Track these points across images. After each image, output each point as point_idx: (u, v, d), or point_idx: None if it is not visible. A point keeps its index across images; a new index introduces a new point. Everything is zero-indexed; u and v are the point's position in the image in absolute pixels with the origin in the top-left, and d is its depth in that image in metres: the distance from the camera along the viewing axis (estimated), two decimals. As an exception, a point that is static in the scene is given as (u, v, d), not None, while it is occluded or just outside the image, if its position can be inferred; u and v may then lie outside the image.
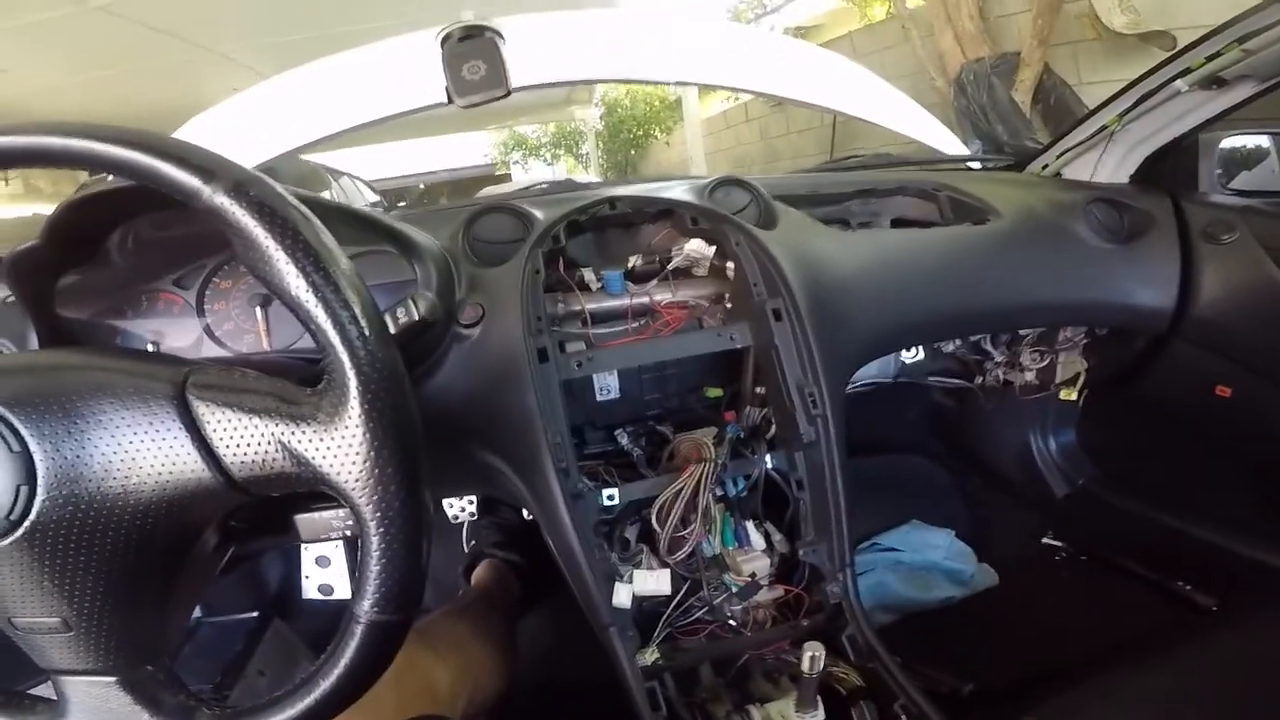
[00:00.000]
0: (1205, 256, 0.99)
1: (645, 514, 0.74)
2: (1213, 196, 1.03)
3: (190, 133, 1.28)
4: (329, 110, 1.23)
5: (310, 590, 1.30)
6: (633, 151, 8.76)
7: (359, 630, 0.38)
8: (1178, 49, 0.92)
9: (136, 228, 0.70)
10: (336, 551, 1.30)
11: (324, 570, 1.30)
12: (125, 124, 0.39)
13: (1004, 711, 0.66)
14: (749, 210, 0.89)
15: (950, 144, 1.46)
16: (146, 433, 0.37)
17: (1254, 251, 0.96)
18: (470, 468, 0.74)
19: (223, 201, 0.36)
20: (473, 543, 1.24)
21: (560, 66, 1.36)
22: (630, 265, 0.82)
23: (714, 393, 0.85)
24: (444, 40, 0.80)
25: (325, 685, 0.38)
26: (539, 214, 0.82)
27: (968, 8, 3.65)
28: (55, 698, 0.41)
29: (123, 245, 0.70)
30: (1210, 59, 0.88)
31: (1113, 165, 1.08)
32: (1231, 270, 0.97)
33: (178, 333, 0.75)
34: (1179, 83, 0.92)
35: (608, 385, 0.82)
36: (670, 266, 0.82)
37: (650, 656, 0.66)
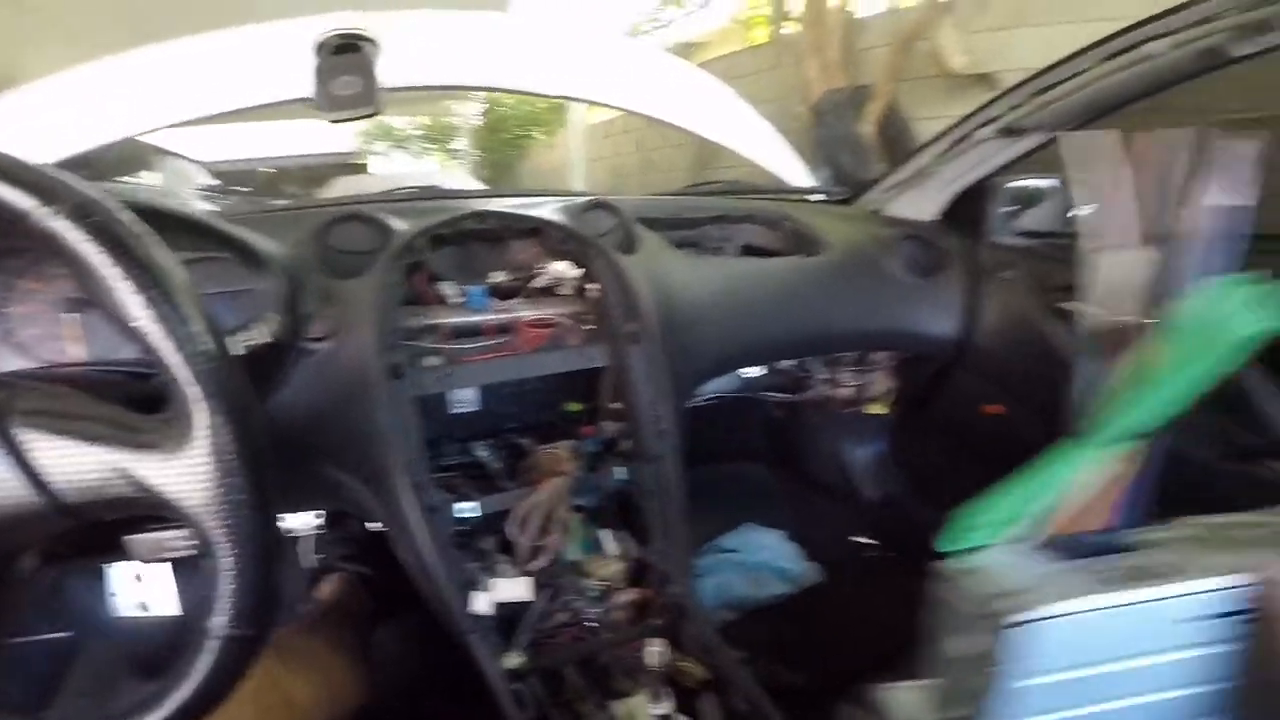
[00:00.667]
0: (987, 292, 1.12)
1: (504, 524, 0.76)
2: (999, 237, 1.12)
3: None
4: (174, 97, 1.12)
5: (126, 608, 1.18)
6: (512, 152, 8.47)
7: (215, 645, 0.37)
8: (991, 97, 1.01)
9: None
10: (153, 567, 1.19)
11: (140, 587, 1.19)
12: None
13: (828, 701, 0.73)
14: (612, 235, 0.93)
15: (797, 174, 1.57)
16: None
17: (1025, 288, 1.07)
18: (317, 483, 0.72)
19: (59, 225, 0.34)
20: (321, 556, 1.19)
21: (435, 70, 1.33)
22: (494, 280, 0.83)
23: (574, 407, 0.88)
24: (319, 48, 0.76)
25: (175, 700, 0.37)
26: (399, 225, 0.81)
27: (836, 37, 3.76)
28: None
29: None
30: (1013, 109, 0.98)
31: (926, 204, 1.18)
32: (1007, 305, 1.09)
33: None
34: (984, 130, 1.03)
35: (465, 398, 0.82)
36: (534, 285, 0.84)
37: (515, 660, 0.68)
